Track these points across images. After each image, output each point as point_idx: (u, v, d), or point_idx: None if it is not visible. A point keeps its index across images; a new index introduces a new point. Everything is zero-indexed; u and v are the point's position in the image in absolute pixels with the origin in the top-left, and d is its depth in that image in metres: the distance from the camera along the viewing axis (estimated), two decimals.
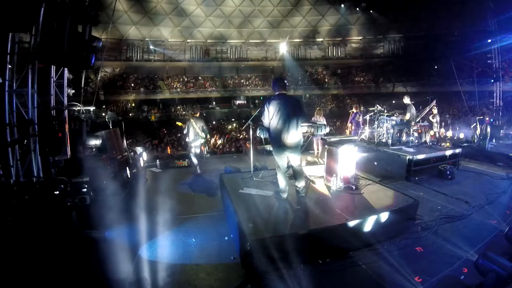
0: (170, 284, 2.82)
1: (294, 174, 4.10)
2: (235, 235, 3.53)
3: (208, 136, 7.11)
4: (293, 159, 3.98)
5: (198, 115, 7.00)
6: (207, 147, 6.99)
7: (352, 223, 3.32)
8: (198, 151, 6.87)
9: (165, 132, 20.88)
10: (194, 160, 6.86)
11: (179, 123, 7.24)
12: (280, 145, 3.84)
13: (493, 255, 2.48)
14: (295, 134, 3.83)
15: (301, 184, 4.08)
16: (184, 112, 27.26)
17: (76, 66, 4.43)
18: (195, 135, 6.66)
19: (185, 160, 8.05)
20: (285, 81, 4.21)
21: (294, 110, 3.81)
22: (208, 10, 28.58)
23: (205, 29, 29.65)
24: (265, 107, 3.84)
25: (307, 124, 4.36)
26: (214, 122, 26.31)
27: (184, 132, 6.79)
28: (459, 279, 2.80)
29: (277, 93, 3.92)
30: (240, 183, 4.68)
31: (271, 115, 3.78)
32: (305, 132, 4.31)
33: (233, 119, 28.19)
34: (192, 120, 6.69)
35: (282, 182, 3.98)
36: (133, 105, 27.72)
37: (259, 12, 29.54)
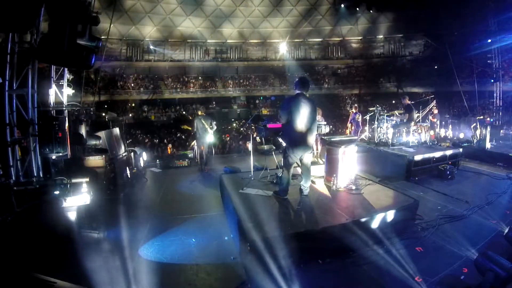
0: (170, 284, 2.82)
1: (304, 173, 4.14)
2: (235, 235, 3.53)
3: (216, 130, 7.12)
4: (307, 158, 4.05)
5: (204, 113, 7.02)
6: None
7: (352, 223, 3.31)
8: (206, 149, 6.83)
9: (165, 132, 20.87)
10: (199, 158, 6.84)
11: (185, 127, 7.33)
12: (299, 144, 3.85)
13: (493, 254, 2.47)
14: (313, 134, 3.94)
15: (307, 183, 4.14)
16: (184, 112, 27.21)
17: (76, 66, 4.42)
18: (204, 133, 6.66)
19: (185, 160, 8.06)
20: (309, 83, 4.22)
21: (312, 111, 3.88)
22: (208, 10, 28.58)
23: (205, 29, 29.64)
24: (287, 105, 3.85)
25: None
26: (214, 122, 26.25)
27: (194, 131, 6.82)
28: (459, 279, 2.80)
29: (298, 92, 3.94)
30: (240, 183, 4.68)
31: (292, 113, 3.76)
32: None
33: (233, 119, 28.15)
34: (200, 118, 6.70)
35: (286, 181, 3.99)
36: (133, 105, 27.69)
37: (259, 12, 29.53)
